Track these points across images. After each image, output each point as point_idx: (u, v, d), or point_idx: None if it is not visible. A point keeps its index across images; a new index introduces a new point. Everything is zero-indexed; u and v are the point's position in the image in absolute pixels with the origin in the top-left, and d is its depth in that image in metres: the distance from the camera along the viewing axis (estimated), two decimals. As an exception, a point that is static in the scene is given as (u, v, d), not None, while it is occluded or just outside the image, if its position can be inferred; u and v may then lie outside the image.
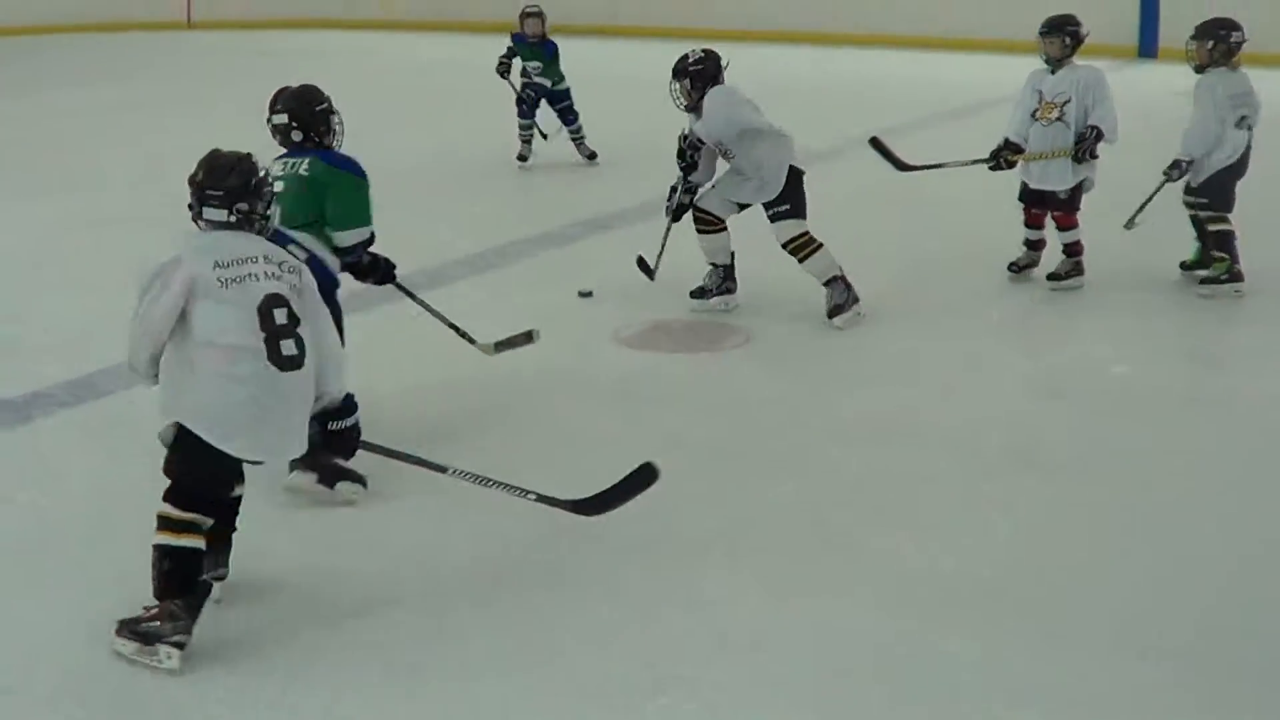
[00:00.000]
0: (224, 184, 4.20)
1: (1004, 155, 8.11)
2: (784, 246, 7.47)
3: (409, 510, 5.08)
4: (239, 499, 4.30)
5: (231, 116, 14.34)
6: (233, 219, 4.20)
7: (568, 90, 11.88)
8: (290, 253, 4.52)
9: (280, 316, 4.13)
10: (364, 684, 3.95)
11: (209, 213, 4.21)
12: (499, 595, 4.48)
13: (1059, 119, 7.92)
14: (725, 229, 7.69)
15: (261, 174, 4.31)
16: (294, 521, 5.01)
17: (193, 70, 19.21)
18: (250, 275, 4.13)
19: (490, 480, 4.65)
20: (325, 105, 5.52)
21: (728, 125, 7.34)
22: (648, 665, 4.05)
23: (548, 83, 11.79)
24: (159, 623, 4.00)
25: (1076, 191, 8.01)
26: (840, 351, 7.09)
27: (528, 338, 6.35)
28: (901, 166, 8.65)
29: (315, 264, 4.98)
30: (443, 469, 4.68)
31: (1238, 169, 7.89)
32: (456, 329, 6.20)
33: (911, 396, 6.40)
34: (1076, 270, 8.14)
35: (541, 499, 4.61)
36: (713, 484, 5.37)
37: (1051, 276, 8.18)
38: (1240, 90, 7.88)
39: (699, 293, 7.78)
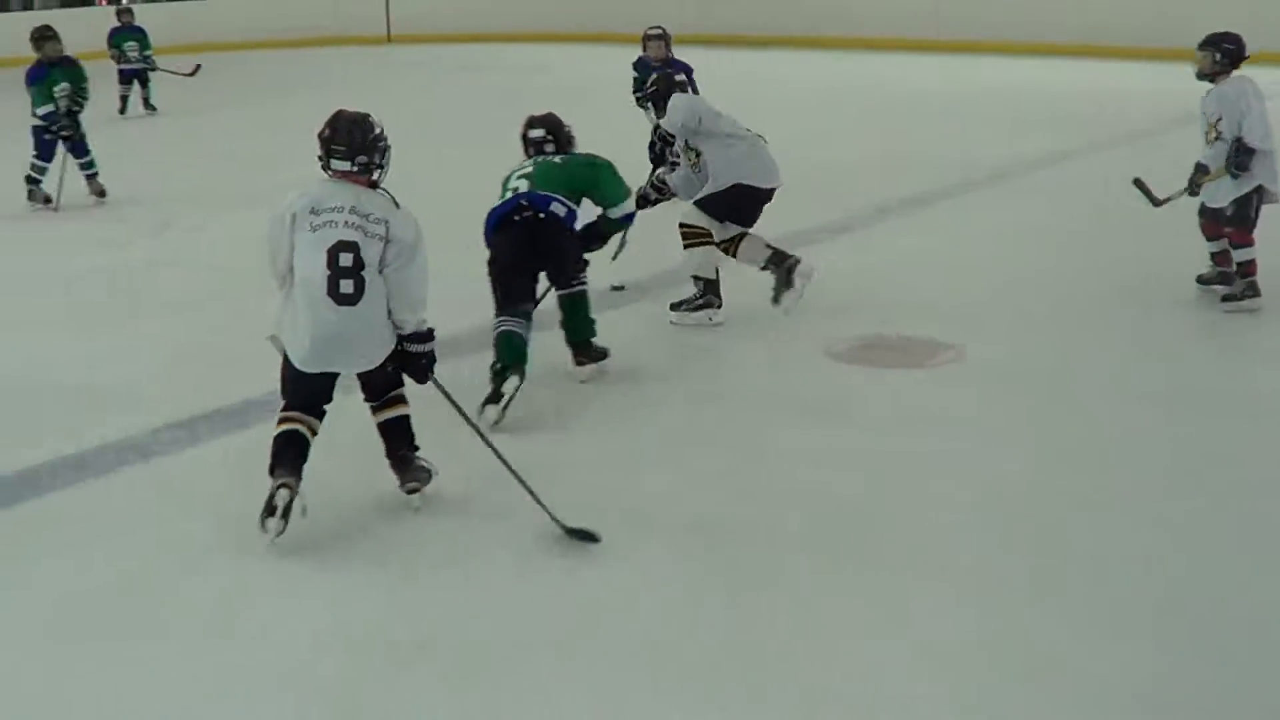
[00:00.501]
0: (346, 140, 5.03)
1: (1194, 180, 7.86)
2: (679, 226, 7.69)
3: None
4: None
5: (437, 129, 14.85)
6: (354, 169, 5.02)
7: None
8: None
9: (345, 260, 4.91)
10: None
11: (335, 164, 5.05)
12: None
13: (1217, 137, 7.71)
14: (710, 242, 7.68)
15: (377, 131, 5.08)
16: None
17: (393, 84, 19.51)
18: (331, 222, 4.94)
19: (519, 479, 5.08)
20: (569, 127, 7.10)
21: (689, 115, 7.64)
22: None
23: None
24: (271, 494, 4.86)
25: (1243, 208, 7.70)
26: (1058, 372, 6.90)
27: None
28: (1156, 203, 8.31)
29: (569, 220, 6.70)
30: (483, 435, 5.30)
31: None
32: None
33: (1136, 415, 6.21)
34: (1251, 291, 7.77)
35: (554, 520, 4.94)
36: (919, 501, 5.27)
37: (1226, 298, 7.85)
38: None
39: (676, 305, 7.82)
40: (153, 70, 16.87)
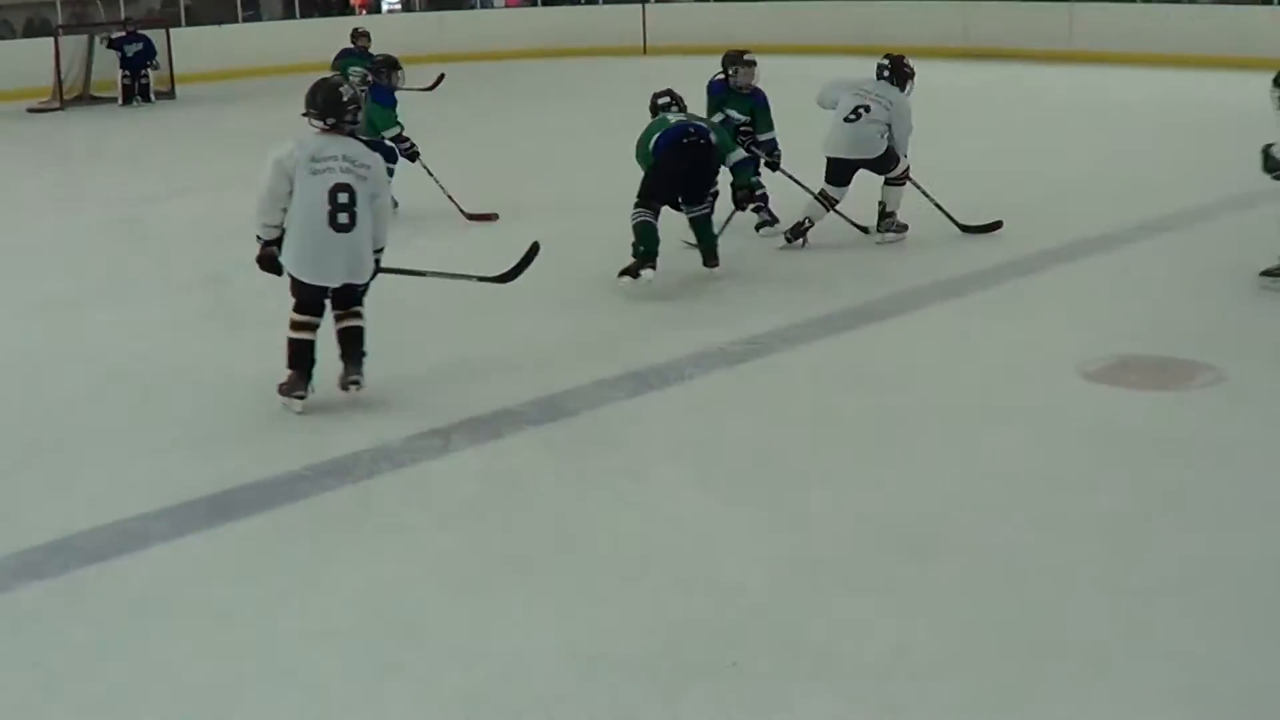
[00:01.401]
0: (323, 105, 6.47)
1: None
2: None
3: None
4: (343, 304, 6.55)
5: None
6: (325, 126, 6.44)
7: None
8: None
9: (342, 198, 6.33)
10: None
11: (312, 123, 6.47)
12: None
13: None
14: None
15: (347, 97, 6.49)
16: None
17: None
18: (329, 169, 6.33)
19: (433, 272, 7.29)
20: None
21: None
22: None
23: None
24: (288, 384, 6.54)
25: None
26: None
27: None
28: None
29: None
30: (422, 273, 7.26)
31: None
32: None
33: None
34: None
35: (470, 277, 7.25)
36: (1179, 528, 5.13)
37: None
38: None
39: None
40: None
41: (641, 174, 8.76)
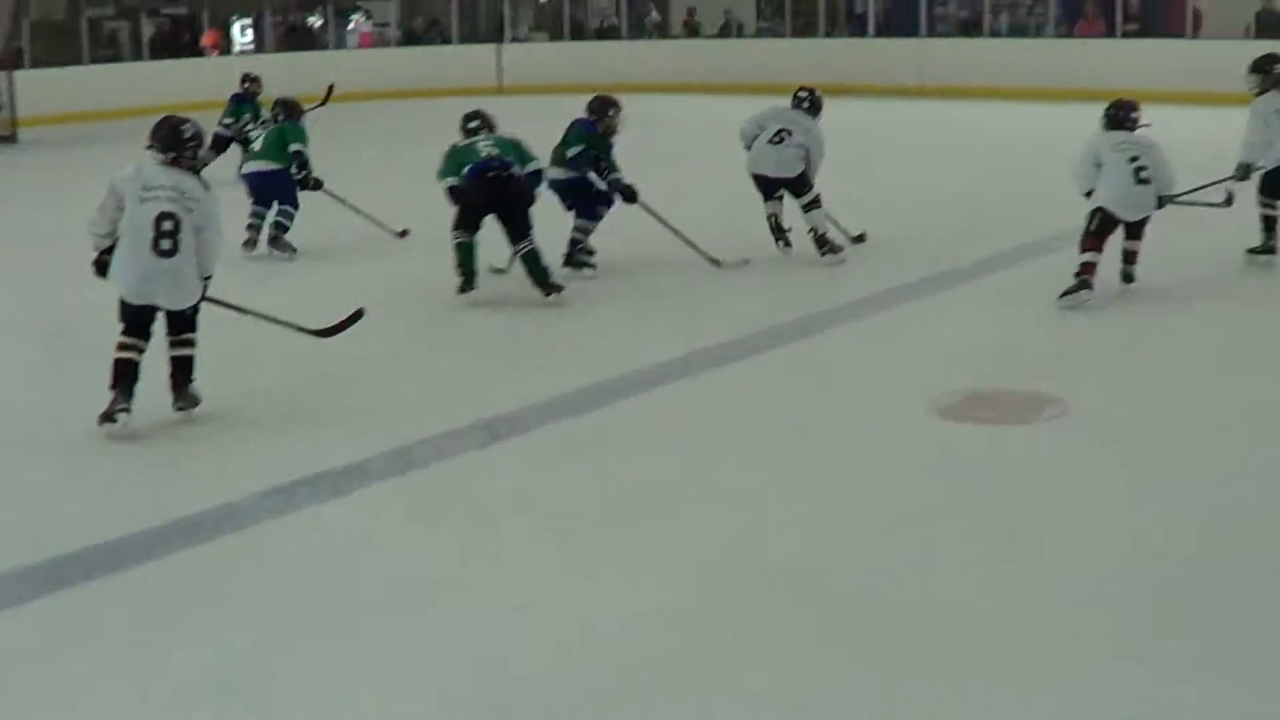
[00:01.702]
0: (164, 139, 6.94)
1: None
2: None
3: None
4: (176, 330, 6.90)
5: None
6: (166, 159, 6.87)
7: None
8: None
9: (166, 226, 6.70)
10: None
11: (153, 155, 6.90)
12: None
13: None
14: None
15: (189, 134, 6.97)
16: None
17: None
18: (156, 197, 6.73)
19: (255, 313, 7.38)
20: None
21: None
22: None
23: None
24: (107, 407, 6.64)
25: None
26: (1162, 423, 6.76)
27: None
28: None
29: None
30: (245, 311, 7.38)
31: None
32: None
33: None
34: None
35: (289, 325, 7.41)
36: (1025, 563, 5.14)
37: None
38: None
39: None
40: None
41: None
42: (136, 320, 6.82)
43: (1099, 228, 9.05)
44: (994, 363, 7.88)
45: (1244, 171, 10.02)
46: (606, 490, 6.07)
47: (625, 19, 29.99)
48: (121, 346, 6.79)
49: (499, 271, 9.86)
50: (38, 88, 22.93)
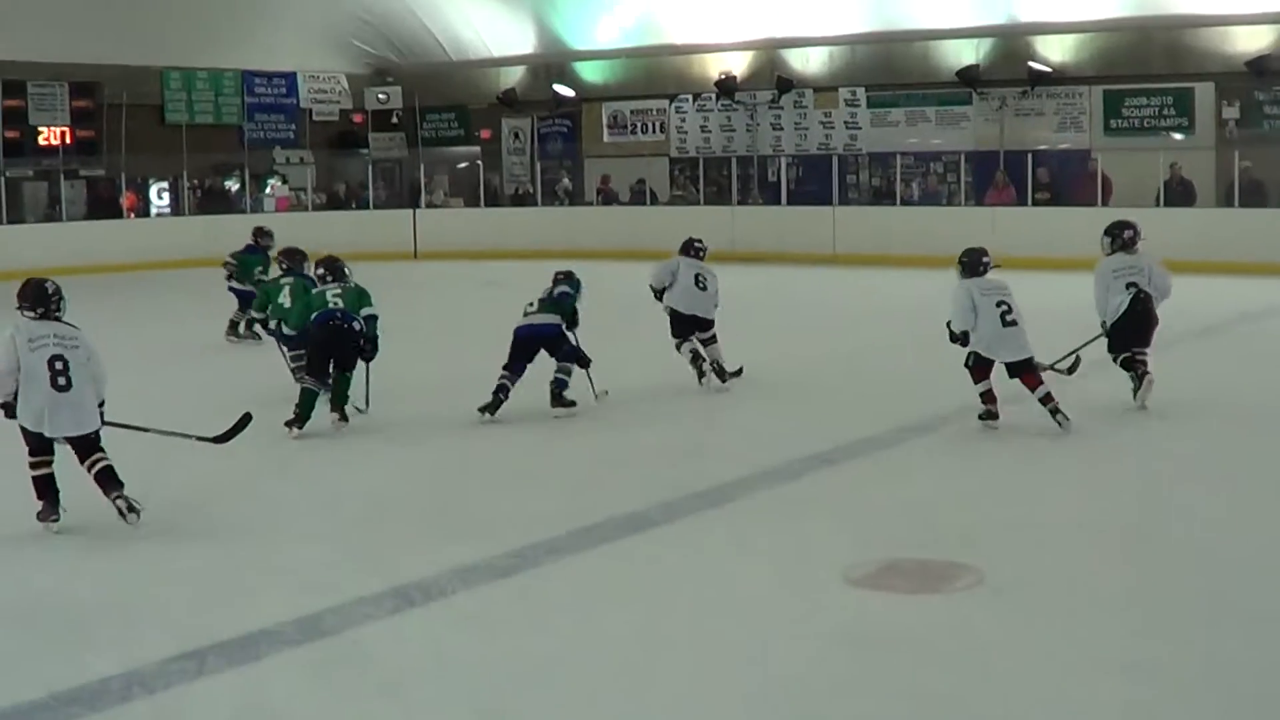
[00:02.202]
0: (31, 299, 8.17)
1: None
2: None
3: None
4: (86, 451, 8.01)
5: (464, 340, 15.06)
6: (38, 315, 8.09)
7: None
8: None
9: (58, 365, 7.90)
10: None
11: (25, 312, 8.14)
12: None
13: None
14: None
15: (51, 290, 8.17)
16: None
17: (420, 299, 19.77)
18: (44, 345, 7.95)
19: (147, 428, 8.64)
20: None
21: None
22: None
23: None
24: (42, 511, 7.97)
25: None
26: (1078, 589, 6.80)
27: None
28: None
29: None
30: (144, 429, 8.65)
31: (1126, 321, 10.90)
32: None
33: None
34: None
35: (185, 436, 8.85)
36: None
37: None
38: (1124, 265, 11.07)
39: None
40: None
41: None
42: (41, 446, 8.01)
43: (975, 366, 10.29)
44: (908, 530, 7.89)
45: (1105, 328, 11.09)
46: (517, 658, 6.00)
47: (539, 186, 30.36)
48: (33, 465, 8.04)
49: (360, 411, 11.11)
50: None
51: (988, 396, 10.24)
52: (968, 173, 26.04)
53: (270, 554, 7.58)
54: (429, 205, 30.02)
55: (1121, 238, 11.25)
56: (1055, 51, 25.44)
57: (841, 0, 26.97)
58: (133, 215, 28.18)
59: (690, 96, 29.64)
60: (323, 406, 10.76)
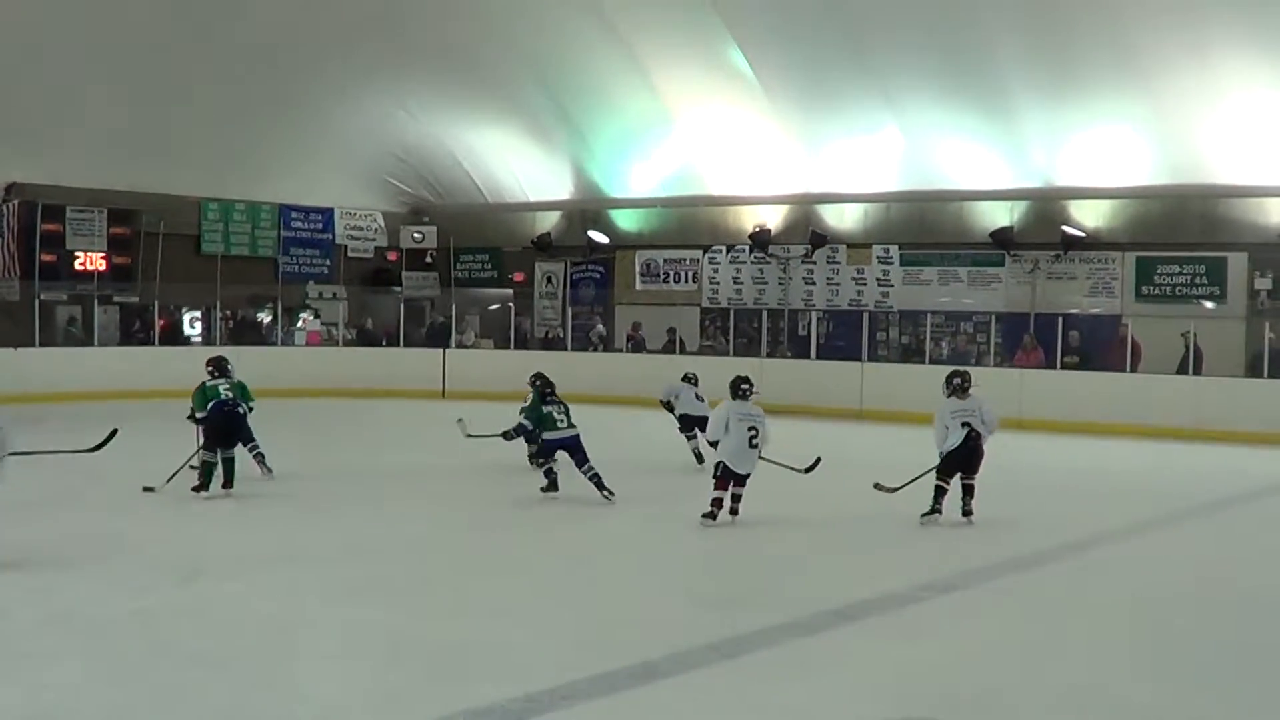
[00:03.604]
0: None
1: None
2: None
3: None
4: None
5: (485, 475, 15.02)
6: None
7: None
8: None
9: None
10: None
11: None
12: None
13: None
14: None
15: None
16: None
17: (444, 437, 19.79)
18: None
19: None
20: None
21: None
22: None
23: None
24: None
25: None
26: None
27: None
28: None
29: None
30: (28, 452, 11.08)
31: (959, 453, 12.96)
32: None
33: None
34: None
35: (63, 451, 12.31)
36: None
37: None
38: (960, 407, 13.06)
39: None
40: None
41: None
42: None
43: (722, 476, 12.79)
44: (921, 691, 7.74)
45: (940, 457, 13.16)
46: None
47: (570, 331, 30.50)
48: None
49: (148, 490, 14.08)
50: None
51: (718, 501, 12.75)
52: (998, 333, 26.08)
53: (289, 688, 7.46)
54: (459, 345, 30.15)
55: (954, 384, 13.22)
56: (1089, 216, 25.59)
57: (877, 159, 27.24)
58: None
59: (724, 247, 29.89)
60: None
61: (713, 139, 28.98)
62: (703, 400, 17.03)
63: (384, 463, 17.51)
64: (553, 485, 14.24)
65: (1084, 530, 12.90)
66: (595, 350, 29.77)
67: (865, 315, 26.84)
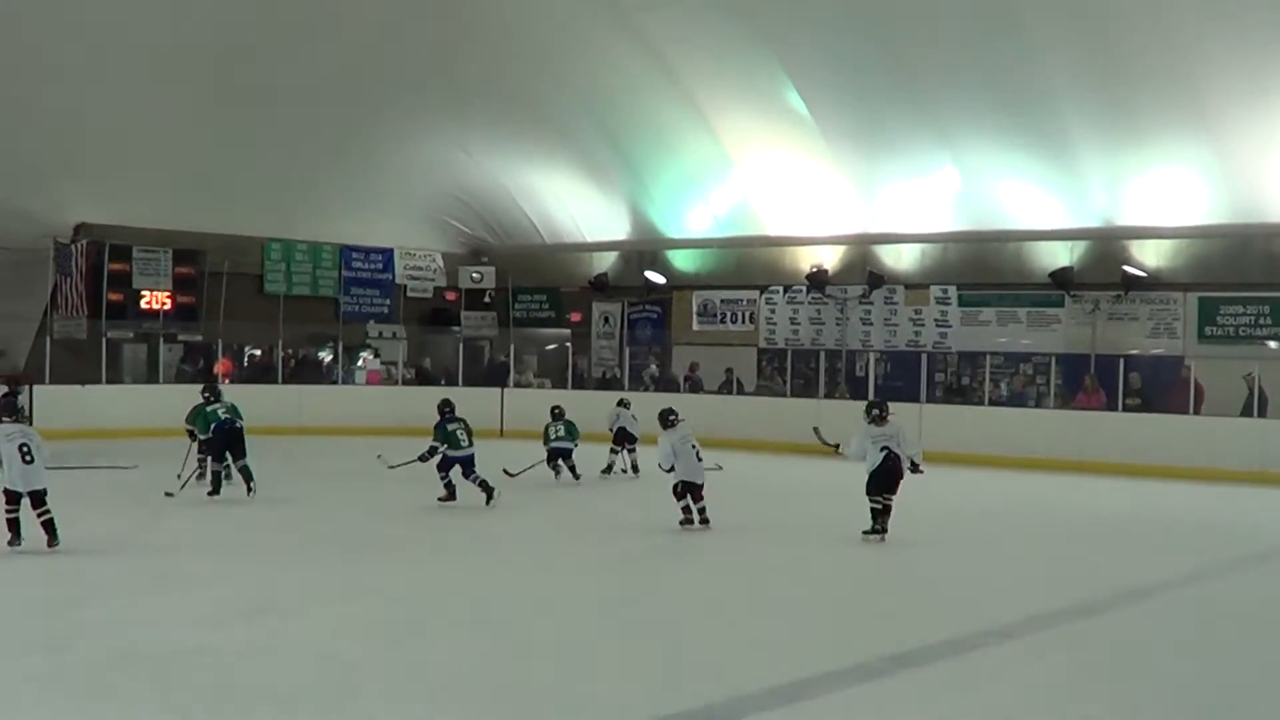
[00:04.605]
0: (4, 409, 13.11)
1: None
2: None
3: None
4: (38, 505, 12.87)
5: (545, 511, 15.09)
6: (8, 420, 13.00)
7: None
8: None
9: (25, 448, 12.80)
10: None
11: (5, 420, 13.00)
12: None
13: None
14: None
15: (15, 398, 14.86)
16: None
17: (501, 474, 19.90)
18: (12, 438, 12.81)
19: None
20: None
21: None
22: None
23: None
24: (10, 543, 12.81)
25: None
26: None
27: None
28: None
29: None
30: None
31: (879, 473, 14.50)
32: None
33: None
34: None
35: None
36: None
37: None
38: (879, 433, 14.61)
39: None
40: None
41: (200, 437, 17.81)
42: (18, 498, 12.87)
43: (683, 490, 15.24)
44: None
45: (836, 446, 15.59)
46: None
47: (627, 370, 30.57)
48: (11, 511, 12.88)
49: (169, 495, 16.75)
50: (53, 402, 23.42)
51: (687, 509, 15.24)
52: (1057, 375, 25.92)
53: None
54: (517, 385, 30.27)
55: (873, 414, 14.83)
56: (1151, 256, 25.48)
57: (934, 199, 27.23)
58: (227, 380, 28.62)
59: (781, 288, 29.91)
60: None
61: (770, 179, 29.09)
62: (636, 420, 21.12)
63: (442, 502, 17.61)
64: (450, 495, 16.90)
65: (1146, 577, 12.81)
66: (650, 390, 29.81)
67: (923, 356, 26.73)
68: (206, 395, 17.88)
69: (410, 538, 14.77)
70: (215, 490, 16.93)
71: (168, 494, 16.83)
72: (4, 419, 12.91)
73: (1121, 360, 23.96)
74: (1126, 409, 23.61)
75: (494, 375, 30.61)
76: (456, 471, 16.88)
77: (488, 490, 16.77)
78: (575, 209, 32.42)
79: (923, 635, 10.10)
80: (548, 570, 12.81)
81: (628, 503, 17.87)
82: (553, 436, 20.19)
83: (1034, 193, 26.07)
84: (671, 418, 15.72)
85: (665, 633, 10.09)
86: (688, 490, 15.29)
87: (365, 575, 12.23)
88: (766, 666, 9.05)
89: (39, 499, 12.79)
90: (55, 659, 8.77)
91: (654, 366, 30.61)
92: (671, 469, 15.39)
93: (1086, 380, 24.74)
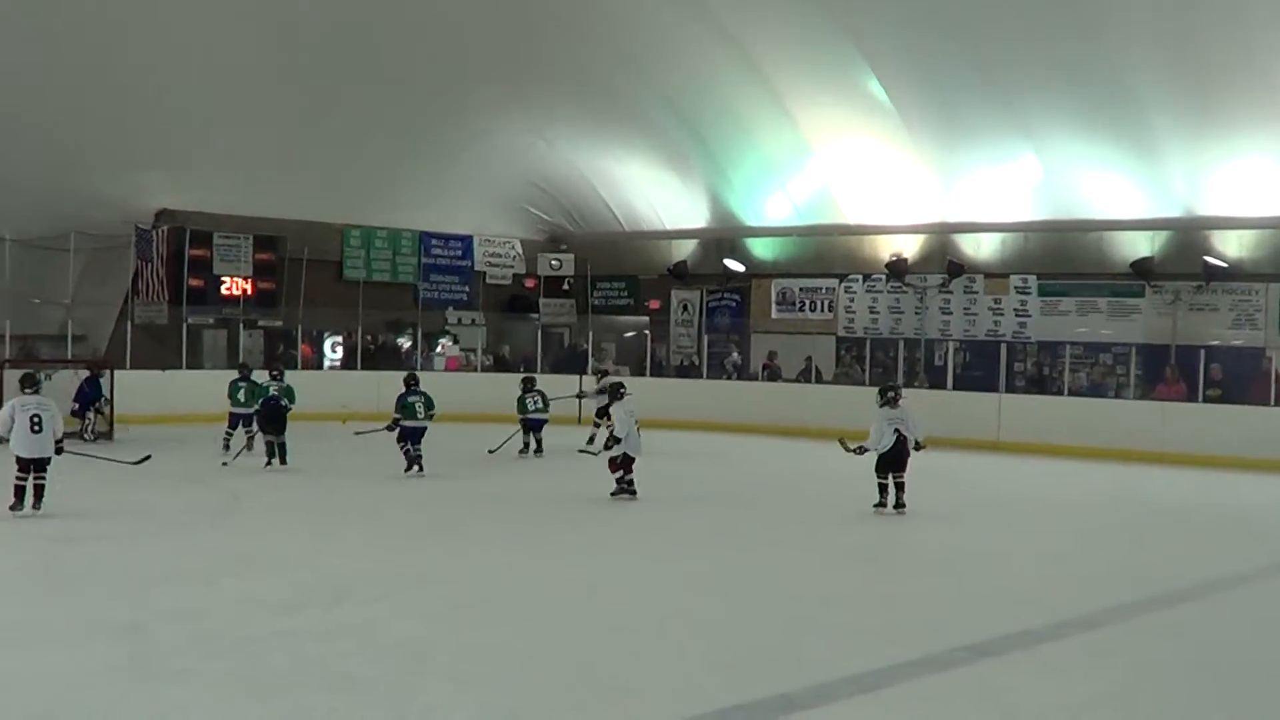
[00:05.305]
0: (23, 384, 15.05)
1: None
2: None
3: None
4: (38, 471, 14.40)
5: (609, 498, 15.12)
6: (29, 391, 14.74)
7: None
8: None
9: (36, 419, 14.31)
10: None
11: (27, 391, 14.74)
12: None
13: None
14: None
15: (38, 377, 16.01)
16: None
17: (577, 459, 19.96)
18: (27, 408, 14.39)
19: None
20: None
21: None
22: None
23: None
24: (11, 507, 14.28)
25: None
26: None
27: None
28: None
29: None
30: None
31: (889, 454, 15.57)
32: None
33: None
34: None
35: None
36: None
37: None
38: (892, 415, 15.63)
39: None
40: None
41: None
42: (28, 465, 14.18)
43: (623, 462, 16.34)
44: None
45: (860, 450, 15.99)
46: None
47: (705, 359, 30.56)
48: (20, 479, 14.19)
49: (224, 465, 18.51)
50: (134, 387, 23.72)
51: (623, 481, 16.29)
52: (1138, 365, 25.69)
53: (422, 711, 7.58)
54: (595, 372, 30.32)
55: (887, 397, 16.02)
56: (1232, 247, 25.18)
57: (1014, 188, 27.03)
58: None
59: (860, 276, 29.79)
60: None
61: (849, 168, 28.96)
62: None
63: (517, 486, 17.70)
64: (411, 465, 18.29)
65: (1225, 569, 12.69)
66: (730, 378, 29.79)
67: (1002, 346, 26.54)
68: (274, 372, 20.41)
69: (494, 519, 14.88)
70: (269, 460, 19.05)
71: (224, 464, 19.30)
72: (26, 390, 14.62)
73: (1202, 351, 23.67)
74: (1207, 400, 23.34)
75: (572, 362, 30.64)
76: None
77: (412, 461, 18.26)
78: (654, 197, 32.42)
79: (998, 626, 10.07)
80: (618, 550, 12.87)
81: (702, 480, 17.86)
82: (530, 408, 21.30)
83: (1115, 182, 25.83)
84: (622, 390, 16.86)
85: (745, 619, 10.11)
86: (627, 462, 16.31)
87: (446, 559, 12.34)
88: (842, 655, 9.06)
89: (41, 466, 14.29)
90: (135, 643, 8.90)
91: (735, 355, 30.56)
92: (621, 439, 16.27)
93: (1167, 371, 24.49)
